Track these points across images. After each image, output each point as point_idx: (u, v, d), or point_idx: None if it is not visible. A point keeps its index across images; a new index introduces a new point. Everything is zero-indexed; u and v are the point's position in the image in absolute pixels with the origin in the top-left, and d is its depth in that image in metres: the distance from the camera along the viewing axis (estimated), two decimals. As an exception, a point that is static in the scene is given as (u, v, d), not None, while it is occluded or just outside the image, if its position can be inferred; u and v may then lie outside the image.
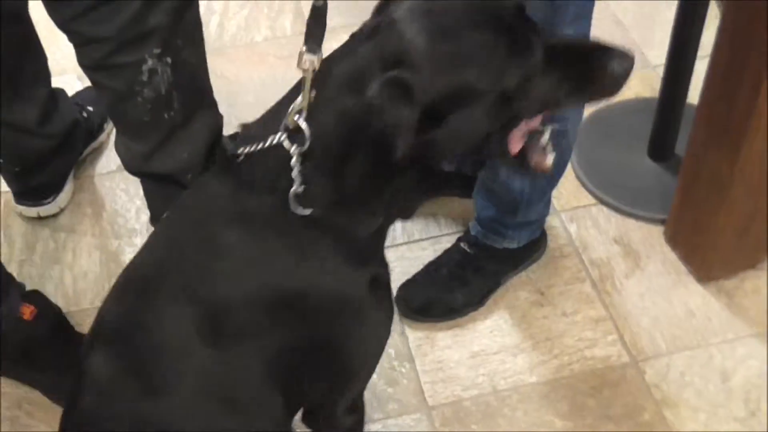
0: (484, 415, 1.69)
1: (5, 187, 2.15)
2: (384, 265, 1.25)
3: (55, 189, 2.11)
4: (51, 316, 1.79)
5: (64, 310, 1.85)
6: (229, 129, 2.15)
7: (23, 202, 2.10)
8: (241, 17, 2.61)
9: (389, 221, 1.20)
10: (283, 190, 1.05)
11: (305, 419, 1.39)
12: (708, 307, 1.82)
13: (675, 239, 1.92)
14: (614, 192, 2.04)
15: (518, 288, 1.89)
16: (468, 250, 1.86)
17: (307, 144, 1.03)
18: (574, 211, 2.03)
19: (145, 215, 2.09)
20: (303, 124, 1.03)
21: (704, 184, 1.76)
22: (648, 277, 1.89)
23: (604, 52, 1.09)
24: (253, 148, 1.08)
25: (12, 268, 1.89)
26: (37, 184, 2.07)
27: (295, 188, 1.04)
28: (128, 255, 2.02)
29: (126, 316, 1.16)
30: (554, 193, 2.03)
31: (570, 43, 1.16)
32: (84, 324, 1.86)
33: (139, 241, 2.04)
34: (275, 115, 1.09)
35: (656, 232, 1.96)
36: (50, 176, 2.08)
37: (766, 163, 1.64)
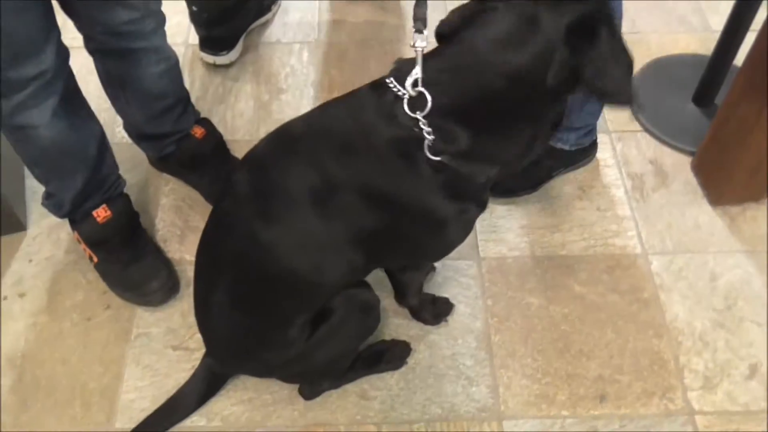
0: (520, 271, 1.75)
1: (193, 40, 2.25)
2: (481, 205, 1.24)
3: (230, 45, 2.16)
4: (214, 138, 1.89)
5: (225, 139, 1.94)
6: (380, 16, 2.14)
7: (205, 50, 2.17)
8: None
9: (496, 174, 1.18)
10: (409, 129, 1.05)
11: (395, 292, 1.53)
12: (712, 224, 1.83)
13: (698, 168, 1.92)
14: (659, 124, 2.03)
15: (566, 183, 1.91)
16: None
17: (428, 108, 1.03)
18: (623, 133, 2.03)
19: (292, 78, 2.17)
20: (425, 91, 1.02)
21: (731, 129, 1.75)
22: (670, 193, 1.89)
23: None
24: (394, 87, 1.07)
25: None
26: (217, 36, 2.13)
27: (428, 140, 1.06)
28: (275, 105, 2.11)
29: (270, 156, 1.19)
30: (610, 117, 2.06)
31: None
32: (235, 150, 1.96)
33: (285, 97, 2.12)
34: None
35: (684, 160, 1.96)
36: (228, 31, 2.14)
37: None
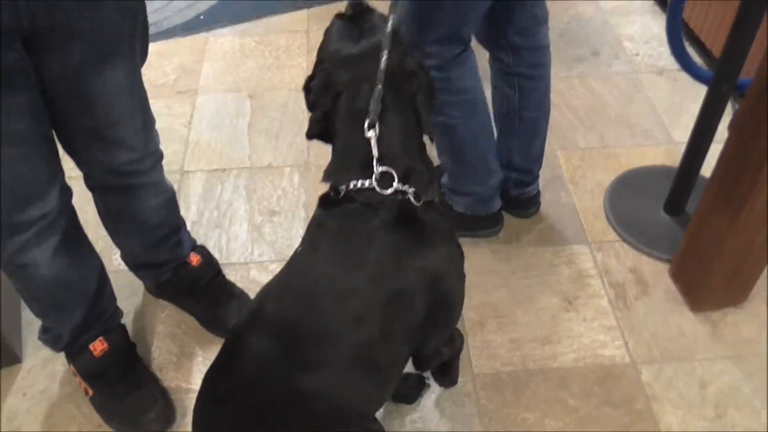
0: (515, 386, 1.70)
1: (189, 167, 2.25)
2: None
3: None
4: (211, 265, 1.84)
5: (219, 262, 1.90)
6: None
7: None
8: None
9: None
10: (396, 202, 1.11)
11: (416, 365, 1.36)
12: (695, 331, 1.81)
13: (677, 276, 1.92)
14: (634, 234, 2.04)
15: (551, 295, 1.90)
16: None
17: (397, 175, 1.12)
18: (602, 243, 2.03)
19: (284, 201, 2.17)
20: (388, 169, 1.11)
21: (705, 237, 1.76)
22: (653, 301, 1.88)
23: None
24: (353, 186, 1.12)
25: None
26: None
27: (411, 193, 1.13)
28: (268, 227, 2.10)
29: (290, 312, 1.13)
30: (587, 227, 2.08)
31: None
32: (230, 274, 1.93)
33: (277, 219, 2.13)
34: (345, 161, 1.16)
35: (663, 268, 1.96)
36: None
37: (756, 228, 1.65)
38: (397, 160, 1.13)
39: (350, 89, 1.13)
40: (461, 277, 1.26)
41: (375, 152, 1.10)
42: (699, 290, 1.85)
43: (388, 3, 1.20)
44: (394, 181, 1.11)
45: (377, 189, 1.11)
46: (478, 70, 1.75)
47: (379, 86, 1.09)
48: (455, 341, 1.48)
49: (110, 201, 1.64)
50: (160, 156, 1.62)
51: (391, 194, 1.12)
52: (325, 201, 1.18)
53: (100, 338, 1.62)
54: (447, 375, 1.62)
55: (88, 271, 1.58)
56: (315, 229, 1.18)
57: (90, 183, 1.59)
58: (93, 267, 1.60)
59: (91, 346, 1.61)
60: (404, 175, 1.13)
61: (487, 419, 1.65)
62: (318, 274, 1.14)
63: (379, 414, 1.63)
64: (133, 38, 1.33)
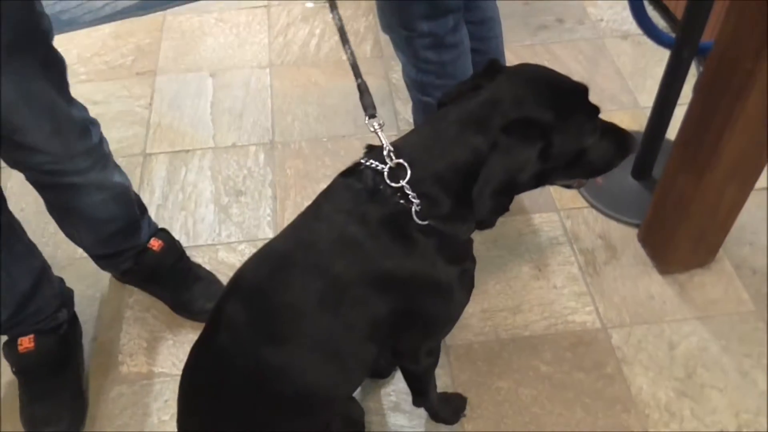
0: (488, 356, 1.72)
1: (151, 149, 2.21)
2: (472, 260, 1.22)
3: None
4: (173, 249, 1.81)
5: (185, 245, 1.89)
6: (329, 115, 2.13)
7: None
8: (334, 41, 2.63)
9: (475, 229, 1.17)
10: (394, 203, 1.05)
11: (394, 356, 1.34)
12: (664, 293, 1.83)
13: (645, 240, 1.94)
14: (603, 199, 2.05)
15: (522, 264, 1.91)
16: None
17: (408, 175, 1.04)
18: (570, 211, 2.04)
19: (250, 180, 2.15)
20: (402, 162, 1.05)
21: (672, 200, 1.78)
22: (621, 266, 1.90)
23: (628, 135, 1.15)
24: (370, 164, 1.08)
25: (151, 210, 1.97)
26: None
27: (415, 206, 1.05)
28: (235, 208, 2.08)
29: (264, 280, 1.12)
30: (556, 195, 2.09)
31: (609, 125, 1.15)
32: (198, 256, 1.92)
33: (244, 199, 2.11)
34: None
35: (631, 233, 1.97)
36: None
37: (720, 190, 1.67)
38: (421, 178, 1.06)
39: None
40: (448, 301, 1.19)
41: (384, 142, 1.08)
42: (666, 253, 1.87)
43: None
44: (402, 179, 1.05)
45: (386, 178, 1.06)
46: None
47: (359, 80, 1.14)
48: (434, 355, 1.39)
49: (51, 197, 1.58)
50: (101, 156, 1.54)
51: (395, 194, 1.06)
52: (347, 169, 1.14)
53: (31, 336, 1.58)
54: (419, 394, 1.51)
55: (21, 272, 1.52)
56: (321, 192, 1.15)
57: (27, 178, 1.52)
58: (29, 268, 1.54)
59: (19, 340, 1.58)
60: (418, 188, 1.06)
61: (461, 390, 1.66)
62: (297, 241, 1.12)
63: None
64: (12, 49, 1.24)
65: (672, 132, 1.84)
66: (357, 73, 1.17)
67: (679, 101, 1.89)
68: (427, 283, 1.13)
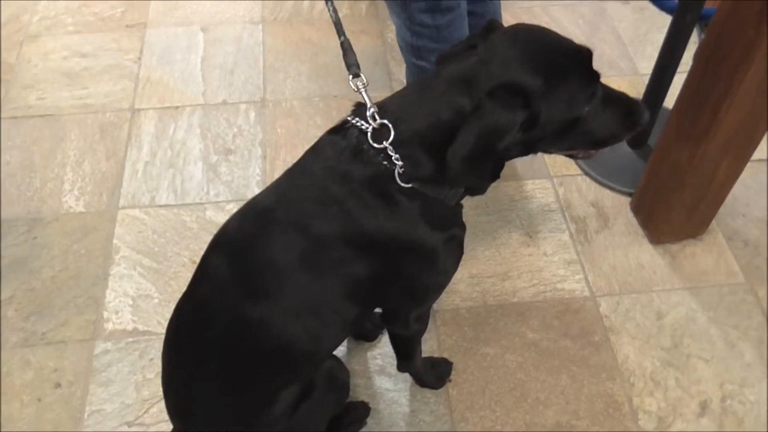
0: (475, 322, 1.72)
1: (140, 105, 2.17)
2: (461, 227, 1.19)
3: None
4: None
5: (172, 203, 1.88)
6: (322, 74, 2.08)
7: None
8: (327, -4, 2.57)
9: (465, 195, 1.14)
10: (377, 164, 1.03)
11: (383, 318, 1.35)
12: (654, 263, 1.83)
13: (637, 209, 1.93)
14: (596, 167, 2.03)
15: (512, 231, 1.90)
16: None
17: (392, 136, 1.02)
18: (564, 178, 2.03)
19: (240, 139, 2.12)
20: (386, 122, 1.02)
21: (666, 170, 1.76)
22: (613, 234, 1.89)
23: (638, 105, 1.10)
24: (356, 123, 1.06)
25: (139, 167, 1.95)
26: None
27: (398, 168, 1.02)
28: (224, 167, 2.05)
29: (246, 234, 1.11)
30: (549, 161, 2.07)
31: (615, 93, 1.10)
32: (185, 215, 1.91)
33: (233, 158, 2.07)
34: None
35: (624, 201, 1.96)
36: None
37: (716, 161, 1.65)
38: (405, 138, 1.04)
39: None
40: (432, 267, 1.17)
41: (368, 101, 1.06)
42: (658, 223, 1.86)
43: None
44: (386, 140, 1.03)
45: (369, 138, 1.04)
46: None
47: (342, 38, 1.13)
48: (423, 321, 1.38)
49: None
50: None
51: (378, 155, 1.04)
52: (334, 126, 1.12)
53: None
54: (405, 359, 1.49)
55: None
56: (308, 149, 1.13)
57: None
58: None
59: None
60: (402, 149, 1.03)
61: (447, 355, 1.66)
62: (280, 198, 1.11)
63: (341, 352, 1.64)
64: None
65: (670, 101, 1.82)
66: (340, 31, 1.15)
67: (679, 69, 1.87)
68: (409, 247, 1.11)
